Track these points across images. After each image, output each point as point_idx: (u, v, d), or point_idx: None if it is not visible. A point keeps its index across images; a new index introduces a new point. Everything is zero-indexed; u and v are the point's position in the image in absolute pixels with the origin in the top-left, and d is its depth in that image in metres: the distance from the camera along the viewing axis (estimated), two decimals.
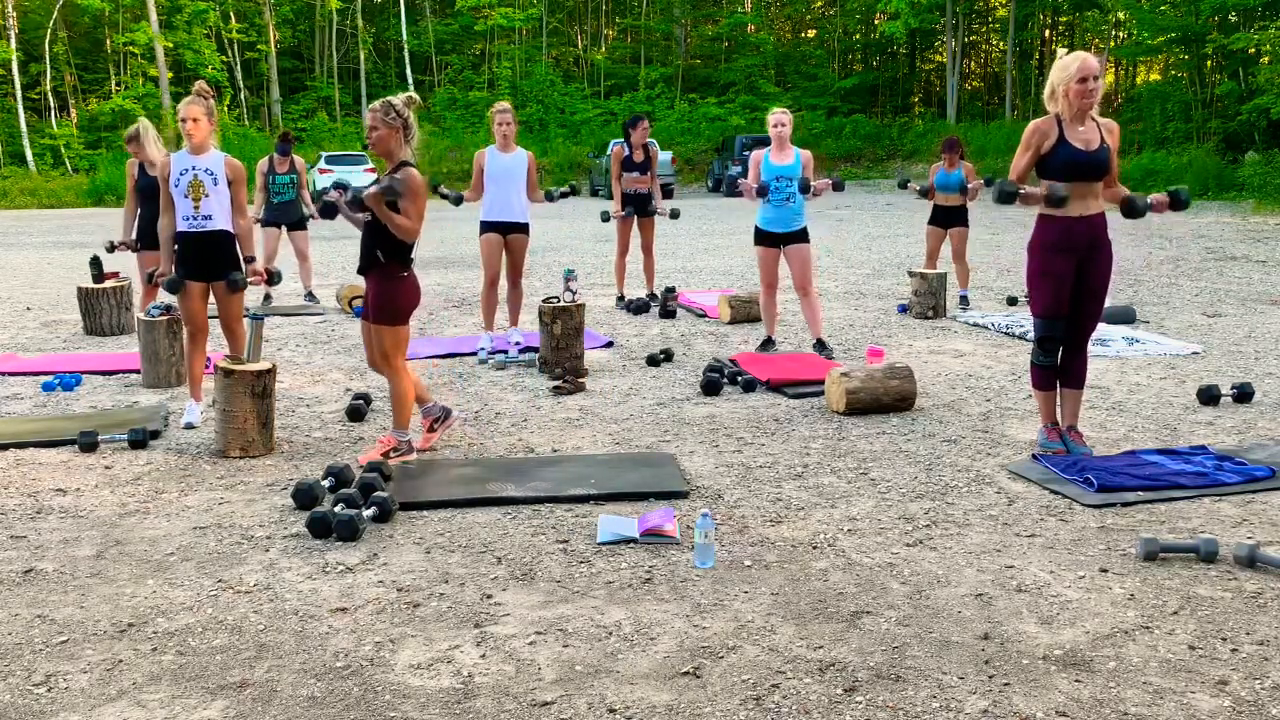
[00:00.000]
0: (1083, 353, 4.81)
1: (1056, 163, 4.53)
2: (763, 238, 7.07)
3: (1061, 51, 4.68)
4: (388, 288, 4.70)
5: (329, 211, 4.84)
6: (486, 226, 7.21)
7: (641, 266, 9.65)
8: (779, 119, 6.96)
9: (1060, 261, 4.62)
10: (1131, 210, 4.59)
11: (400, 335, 4.76)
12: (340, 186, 4.84)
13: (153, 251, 6.99)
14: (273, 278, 6.00)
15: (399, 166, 4.61)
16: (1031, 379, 4.89)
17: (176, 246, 5.43)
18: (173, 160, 5.42)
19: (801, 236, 7.02)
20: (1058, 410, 4.88)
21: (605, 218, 9.06)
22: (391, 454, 4.76)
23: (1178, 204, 4.63)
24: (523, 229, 7.21)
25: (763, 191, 6.90)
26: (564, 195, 7.83)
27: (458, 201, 7.33)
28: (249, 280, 5.53)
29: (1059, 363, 4.83)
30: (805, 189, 6.87)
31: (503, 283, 7.37)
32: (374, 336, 4.78)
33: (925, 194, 9.24)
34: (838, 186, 7.17)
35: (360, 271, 4.74)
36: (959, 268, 9.33)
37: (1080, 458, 4.58)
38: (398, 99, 4.64)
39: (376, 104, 4.59)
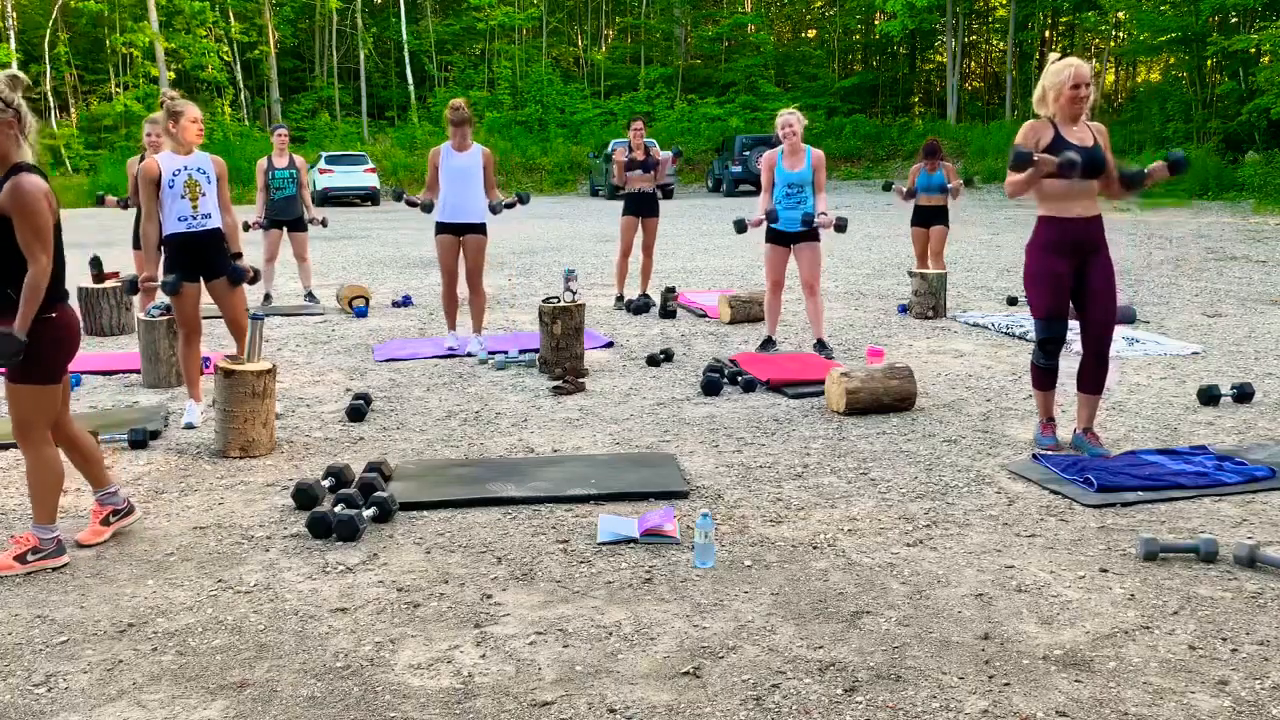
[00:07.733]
0: (1104, 362, 4.73)
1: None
2: (774, 236, 7.07)
3: (1053, 56, 4.69)
4: (32, 335, 3.36)
5: None
6: (441, 228, 7.14)
7: (640, 268, 9.66)
8: (787, 121, 6.89)
9: (1060, 262, 4.62)
10: (1128, 182, 4.64)
11: (47, 398, 3.45)
12: None
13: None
14: (255, 276, 5.77)
15: (12, 173, 3.31)
16: (1032, 378, 4.90)
17: (171, 248, 5.40)
18: (162, 163, 5.39)
19: (812, 235, 7.04)
20: (1056, 410, 4.88)
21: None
22: (30, 556, 3.47)
23: (1176, 168, 4.59)
24: (479, 229, 7.12)
25: (772, 218, 6.92)
26: (508, 206, 7.23)
27: (428, 208, 7.13)
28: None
29: (1076, 369, 4.81)
30: (810, 222, 6.89)
31: (465, 289, 7.23)
32: (10, 400, 3.44)
33: (909, 195, 9.47)
34: (839, 228, 6.93)
35: None
36: (935, 264, 9.50)
37: (1081, 458, 4.58)
38: None
39: None
